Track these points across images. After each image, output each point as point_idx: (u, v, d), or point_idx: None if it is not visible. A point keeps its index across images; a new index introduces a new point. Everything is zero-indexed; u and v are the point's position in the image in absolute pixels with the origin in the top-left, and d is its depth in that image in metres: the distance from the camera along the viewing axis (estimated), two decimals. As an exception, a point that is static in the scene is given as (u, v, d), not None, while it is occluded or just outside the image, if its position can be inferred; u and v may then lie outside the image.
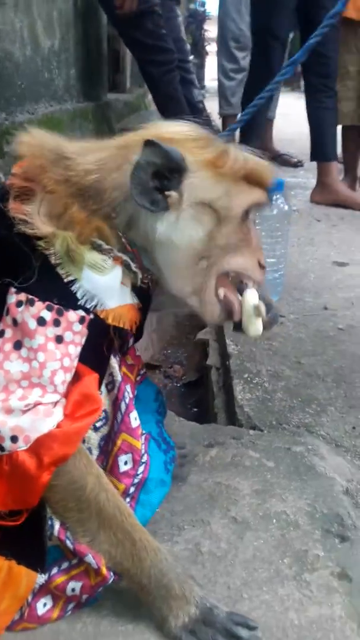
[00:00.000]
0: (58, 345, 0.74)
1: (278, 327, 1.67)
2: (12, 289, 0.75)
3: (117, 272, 0.81)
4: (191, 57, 3.33)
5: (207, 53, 7.78)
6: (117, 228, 0.81)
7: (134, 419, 0.87)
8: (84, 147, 0.84)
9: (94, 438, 0.85)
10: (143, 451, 0.89)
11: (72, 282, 0.77)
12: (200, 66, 7.23)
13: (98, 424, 0.85)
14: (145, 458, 0.90)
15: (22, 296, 0.74)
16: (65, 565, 0.81)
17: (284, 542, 0.94)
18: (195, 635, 0.78)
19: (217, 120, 4.35)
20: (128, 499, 0.88)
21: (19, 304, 0.74)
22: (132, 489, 0.88)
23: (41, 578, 0.79)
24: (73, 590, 0.81)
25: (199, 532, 0.96)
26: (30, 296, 0.74)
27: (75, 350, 0.76)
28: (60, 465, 0.74)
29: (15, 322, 0.74)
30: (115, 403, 0.85)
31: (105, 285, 0.79)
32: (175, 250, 0.82)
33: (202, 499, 1.03)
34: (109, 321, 0.79)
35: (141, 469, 0.89)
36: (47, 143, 0.83)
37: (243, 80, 3.32)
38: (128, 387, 0.87)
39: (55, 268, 0.76)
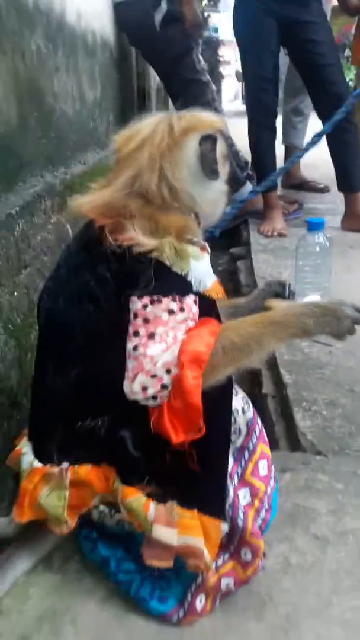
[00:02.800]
0: (182, 323, 0.94)
1: (328, 356, 1.83)
2: (134, 298, 0.93)
3: (206, 257, 1.03)
4: (214, 87, 3.54)
5: (222, 77, 8.03)
6: (192, 217, 1.03)
7: (265, 434, 1.09)
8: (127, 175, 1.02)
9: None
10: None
11: (187, 274, 0.97)
12: (218, 91, 7.47)
13: (232, 437, 1.03)
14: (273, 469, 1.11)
15: (147, 299, 0.93)
16: (213, 566, 0.97)
17: (362, 555, 1.10)
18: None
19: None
20: (265, 504, 1.07)
21: (145, 306, 0.93)
22: (269, 490, 1.07)
23: (225, 526, 0.97)
24: (227, 585, 1.00)
25: (286, 547, 1.12)
26: (154, 296, 0.93)
27: (192, 324, 0.96)
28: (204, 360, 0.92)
29: (146, 320, 0.93)
30: (253, 420, 1.06)
31: (203, 269, 1.00)
32: (216, 199, 1.10)
33: (284, 518, 1.19)
34: (213, 296, 1.01)
35: (272, 474, 1.09)
36: (103, 196, 1.01)
37: None
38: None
39: (170, 268, 0.96)
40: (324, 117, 2.76)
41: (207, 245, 1.06)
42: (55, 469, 1.01)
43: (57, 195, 2.03)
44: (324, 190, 3.71)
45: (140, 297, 0.93)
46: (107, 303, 0.96)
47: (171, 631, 0.99)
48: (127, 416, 0.95)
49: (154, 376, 0.91)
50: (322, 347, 1.88)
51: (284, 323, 1.01)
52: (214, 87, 3.39)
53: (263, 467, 1.07)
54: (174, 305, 0.94)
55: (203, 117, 1.07)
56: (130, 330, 0.94)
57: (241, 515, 0.99)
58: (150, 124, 1.03)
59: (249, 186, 3.15)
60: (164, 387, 0.91)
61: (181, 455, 0.93)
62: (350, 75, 4.78)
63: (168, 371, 0.91)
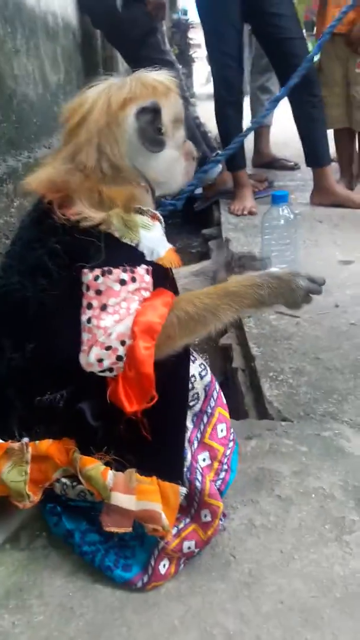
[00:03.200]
0: (136, 294, 0.96)
1: (295, 327, 1.85)
2: (85, 270, 0.94)
3: (158, 225, 1.03)
4: (180, 67, 3.50)
5: (194, 60, 7.95)
6: (143, 186, 1.02)
7: (223, 397, 1.10)
8: (58, 159, 1.02)
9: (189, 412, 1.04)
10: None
11: (137, 244, 0.97)
12: (189, 75, 7.39)
13: (191, 403, 1.04)
14: (232, 431, 1.11)
15: (98, 271, 0.94)
16: (174, 530, 0.99)
17: (324, 512, 1.12)
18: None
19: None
20: (225, 465, 1.08)
21: (96, 277, 0.94)
22: (227, 452, 1.08)
23: (183, 490, 0.98)
24: (189, 548, 1.01)
25: (250, 510, 1.14)
26: (105, 268, 0.94)
27: (147, 294, 0.97)
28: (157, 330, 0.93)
29: (98, 292, 0.94)
30: (211, 385, 1.06)
31: (155, 238, 1.00)
32: (170, 167, 1.08)
33: (249, 482, 1.20)
34: (166, 265, 1.01)
35: (232, 436, 1.10)
36: (47, 171, 1.01)
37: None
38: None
39: (119, 240, 0.96)
40: (290, 92, 2.75)
41: (158, 214, 1.05)
42: (15, 445, 1.01)
43: (20, 179, 2.01)
44: (294, 167, 3.71)
45: (91, 269, 0.94)
46: (60, 277, 0.96)
47: (137, 597, 1.00)
48: (85, 388, 0.96)
49: (108, 348, 0.92)
50: (289, 319, 1.90)
51: (239, 294, 1.02)
52: (180, 66, 3.36)
53: (222, 430, 1.08)
54: (125, 276, 0.94)
55: (147, 82, 1.04)
56: (84, 302, 0.94)
57: (199, 477, 1.00)
58: (92, 96, 1.02)
59: (218, 167, 3.14)
60: (119, 358, 0.92)
61: (138, 424, 0.94)
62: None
63: (122, 342, 0.92)
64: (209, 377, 1.07)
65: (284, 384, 1.57)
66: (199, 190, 3.21)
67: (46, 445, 1.00)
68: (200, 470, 1.02)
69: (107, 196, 0.97)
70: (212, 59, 3.03)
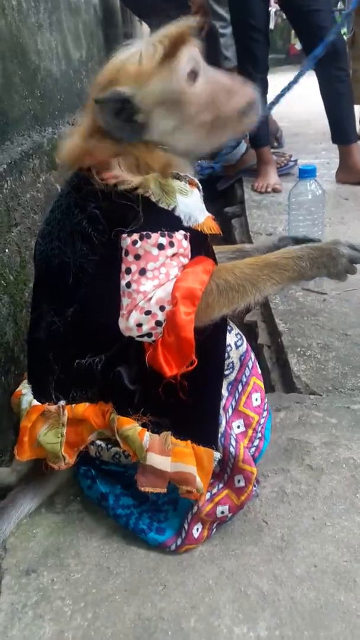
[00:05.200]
0: (175, 259, 0.96)
1: (322, 303, 1.84)
2: (124, 235, 0.94)
3: (196, 191, 1.01)
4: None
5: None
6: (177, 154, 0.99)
7: (258, 367, 1.10)
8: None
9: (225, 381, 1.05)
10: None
11: (174, 209, 0.96)
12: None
13: (227, 372, 1.04)
14: (266, 401, 1.12)
15: (136, 236, 0.94)
16: (207, 495, 1.01)
17: (355, 481, 1.13)
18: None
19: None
20: (259, 433, 1.09)
21: (134, 242, 0.94)
22: (262, 420, 1.09)
23: (217, 455, 0.99)
24: (222, 512, 1.02)
25: (281, 478, 1.15)
26: (143, 232, 0.93)
27: (186, 260, 0.98)
28: (198, 297, 0.93)
29: (137, 257, 0.94)
30: (246, 354, 1.07)
31: (193, 204, 0.99)
32: (178, 138, 0.99)
33: (279, 451, 1.22)
34: (206, 231, 1.00)
35: (265, 406, 1.11)
36: (81, 141, 0.98)
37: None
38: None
39: (157, 204, 0.95)
40: (316, 65, 2.70)
41: (196, 180, 1.04)
42: (52, 407, 1.03)
43: (46, 155, 2.02)
44: (289, 162, 3.51)
45: (129, 234, 0.94)
46: (99, 242, 0.96)
47: (171, 559, 1.03)
48: (122, 353, 0.97)
49: (147, 312, 0.93)
50: (316, 296, 1.89)
51: (280, 265, 1.01)
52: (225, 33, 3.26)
53: (256, 399, 1.09)
54: (164, 240, 0.95)
55: (118, 63, 0.95)
56: (123, 267, 0.95)
57: (234, 443, 1.02)
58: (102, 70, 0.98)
59: (243, 146, 3.11)
60: (158, 323, 0.93)
61: (175, 388, 0.95)
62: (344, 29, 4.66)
63: (162, 308, 0.93)
64: (244, 346, 1.08)
65: (312, 359, 1.57)
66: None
67: (82, 408, 1.02)
68: (235, 437, 1.03)
69: (144, 161, 0.96)
70: (237, 32, 2.97)
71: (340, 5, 5.39)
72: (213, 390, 1.01)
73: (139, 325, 0.93)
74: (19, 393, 1.11)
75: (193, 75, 0.96)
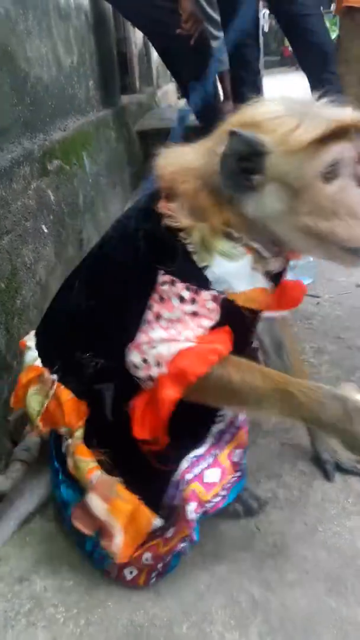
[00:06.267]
0: (193, 319, 0.90)
1: (316, 307, 1.85)
2: (161, 272, 0.91)
3: (247, 259, 0.92)
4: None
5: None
6: (245, 216, 0.91)
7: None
8: (196, 150, 0.97)
9: (213, 429, 1.00)
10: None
11: (205, 268, 0.91)
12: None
13: (217, 419, 1.00)
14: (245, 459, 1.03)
15: (167, 278, 0.91)
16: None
17: (347, 486, 1.13)
18: None
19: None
20: (224, 491, 0.98)
21: (163, 284, 0.91)
22: (233, 480, 0.99)
23: (158, 521, 0.95)
24: (147, 560, 0.96)
25: (274, 484, 1.16)
26: (173, 278, 0.90)
27: (208, 324, 0.91)
28: (191, 382, 0.86)
29: (161, 299, 0.91)
30: None
31: (235, 271, 0.91)
32: (274, 224, 0.91)
33: (272, 457, 1.22)
34: (239, 303, 0.92)
35: (244, 465, 1.02)
36: (182, 158, 0.96)
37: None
38: None
39: (191, 256, 0.91)
40: (307, 69, 2.71)
41: (261, 249, 0.93)
42: (48, 376, 1.03)
43: (37, 162, 2.02)
44: None
45: (164, 272, 0.91)
46: (145, 260, 0.94)
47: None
48: (115, 372, 0.95)
49: (145, 361, 0.90)
50: (310, 299, 1.90)
51: (297, 401, 0.89)
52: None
53: (238, 455, 1.01)
54: (186, 294, 0.90)
55: (277, 121, 0.87)
56: (150, 299, 0.92)
57: (191, 507, 0.92)
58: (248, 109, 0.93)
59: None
60: (149, 377, 0.90)
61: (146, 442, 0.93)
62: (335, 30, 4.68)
63: (158, 364, 0.89)
64: None
65: (305, 363, 1.57)
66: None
67: (67, 396, 1.00)
68: (196, 493, 0.93)
69: (203, 207, 0.91)
70: (229, 37, 2.99)
71: (332, 7, 5.40)
72: (178, 460, 0.96)
73: (135, 367, 0.91)
74: (24, 344, 1.12)
75: (332, 176, 0.87)
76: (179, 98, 5.77)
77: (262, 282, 0.95)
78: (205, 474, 0.96)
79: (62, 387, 1.01)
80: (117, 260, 0.98)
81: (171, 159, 0.97)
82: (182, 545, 0.95)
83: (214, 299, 0.91)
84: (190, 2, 2.88)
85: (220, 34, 3.17)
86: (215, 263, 0.91)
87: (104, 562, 1.01)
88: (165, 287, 0.90)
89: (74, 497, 1.04)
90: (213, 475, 0.97)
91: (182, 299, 0.90)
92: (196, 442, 0.98)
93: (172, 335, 0.89)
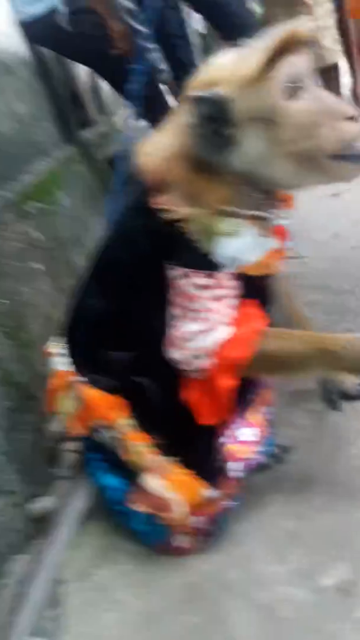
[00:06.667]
0: (219, 302, 0.92)
1: (303, 266, 1.91)
2: (170, 266, 0.92)
3: (251, 231, 0.92)
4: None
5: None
6: (237, 183, 0.90)
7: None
8: (168, 134, 0.95)
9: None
10: None
11: (212, 253, 0.91)
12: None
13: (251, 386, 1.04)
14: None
15: (179, 271, 0.92)
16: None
17: (357, 412, 1.19)
18: None
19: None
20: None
21: (178, 277, 0.92)
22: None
23: (208, 491, 0.99)
24: (197, 523, 1.01)
25: (291, 429, 1.21)
26: (185, 270, 0.91)
27: (234, 301, 0.93)
28: (242, 367, 0.90)
29: (181, 294, 0.93)
30: None
31: (243, 245, 0.91)
32: (264, 167, 0.89)
33: (284, 401, 1.27)
34: (256, 273, 0.94)
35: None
36: (154, 150, 0.95)
37: None
38: None
39: (194, 244, 0.90)
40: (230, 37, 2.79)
41: (259, 214, 0.94)
42: (76, 379, 1.07)
43: (14, 206, 2.14)
44: None
45: (173, 267, 0.92)
46: (151, 258, 0.95)
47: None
48: (154, 364, 0.97)
49: (185, 354, 0.93)
50: (294, 261, 1.96)
51: (339, 358, 0.92)
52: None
53: (267, 412, 1.10)
54: (203, 282, 0.91)
55: (226, 68, 0.87)
56: (169, 297, 0.94)
57: (232, 466, 1.00)
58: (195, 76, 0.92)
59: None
60: (194, 369, 0.93)
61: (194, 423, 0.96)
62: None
63: (201, 356, 0.91)
64: None
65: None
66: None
67: (95, 394, 1.03)
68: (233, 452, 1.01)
69: (197, 191, 0.90)
70: (161, 44, 3.10)
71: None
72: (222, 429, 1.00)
73: (176, 360, 0.93)
74: (48, 352, 1.17)
75: (294, 90, 0.85)
76: (136, 119, 5.89)
77: (270, 243, 0.95)
78: (239, 433, 1.03)
79: (91, 386, 1.04)
80: (125, 262, 0.99)
81: (149, 151, 0.95)
82: (228, 503, 1.02)
83: (231, 277, 0.92)
84: (117, 22, 3.00)
85: (154, 46, 3.27)
86: (222, 245, 0.91)
87: (153, 537, 1.07)
88: (181, 281, 0.91)
89: (110, 481, 1.09)
90: (247, 433, 1.04)
91: (200, 288, 0.91)
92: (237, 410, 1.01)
93: (206, 326, 0.91)
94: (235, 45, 0.92)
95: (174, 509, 0.99)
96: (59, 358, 1.14)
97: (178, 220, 0.90)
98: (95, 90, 5.23)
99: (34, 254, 2.09)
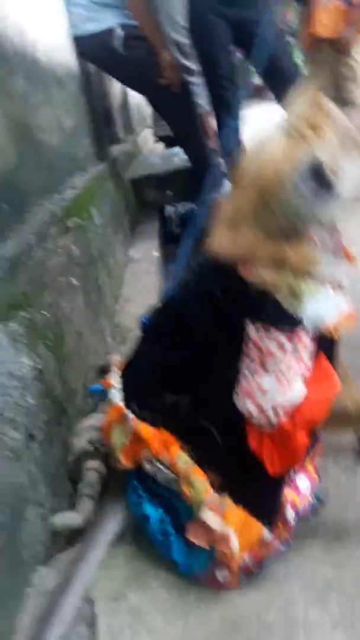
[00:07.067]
0: (296, 358, 1.01)
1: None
2: (249, 321, 1.00)
3: (329, 292, 1.03)
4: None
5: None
6: (316, 241, 1.01)
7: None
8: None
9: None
10: None
11: (299, 313, 1.01)
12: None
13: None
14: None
15: (259, 325, 1.00)
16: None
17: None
18: None
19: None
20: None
21: (257, 331, 1.00)
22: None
23: (267, 533, 1.05)
24: (243, 562, 1.07)
25: (324, 479, 1.30)
26: (267, 325, 1.00)
27: (309, 357, 1.02)
28: (318, 425, 1.00)
29: (259, 348, 1.00)
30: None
31: (324, 306, 1.02)
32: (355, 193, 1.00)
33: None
34: (334, 334, 1.04)
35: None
36: (230, 235, 1.05)
37: None
38: None
39: (282, 305, 1.00)
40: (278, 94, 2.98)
41: (333, 277, 1.04)
42: (129, 414, 1.14)
43: (60, 221, 2.21)
44: None
45: (253, 322, 1.01)
46: (227, 315, 1.04)
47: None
48: (218, 408, 1.04)
49: (260, 407, 1.00)
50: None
51: None
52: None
53: (318, 463, 1.19)
54: (284, 339, 0.99)
55: (297, 131, 0.99)
56: (244, 350, 1.01)
57: (290, 512, 1.08)
58: (254, 156, 1.05)
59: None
60: (269, 423, 1.01)
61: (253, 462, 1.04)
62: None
63: (276, 411, 1.00)
64: None
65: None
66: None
67: (144, 429, 1.10)
68: (292, 499, 1.08)
69: (281, 257, 1.00)
70: (209, 82, 3.25)
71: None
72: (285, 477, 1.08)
73: (250, 414, 1.01)
74: (108, 383, 1.25)
75: None
76: (155, 142, 6.06)
77: (344, 303, 1.05)
78: (299, 482, 1.11)
79: (142, 422, 1.12)
80: (196, 316, 1.06)
81: (225, 238, 1.05)
82: (279, 547, 1.09)
83: (309, 334, 1.01)
84: (168, 54, 3.14)
85: (197, 80, 3.42)
86: (307, 306, 1.00)
87: (194, 569, 1.12)
88: (261, 336, 0.99)
89: (155, 512, 1.15)
90: (303, 483, 1.13)
91: (281, 345, 0.99)
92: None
93: (283, 383, 0.99)
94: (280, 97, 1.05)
95: (232, 544, 1.05)
96: (116, 391, 1.21)
97: (266, 286, 1.00)
98: (125, 109, 5.38)
99: (73, 269, 2.16)
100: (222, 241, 1.07)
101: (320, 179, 0.97)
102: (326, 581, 1.08)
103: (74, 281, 2.12)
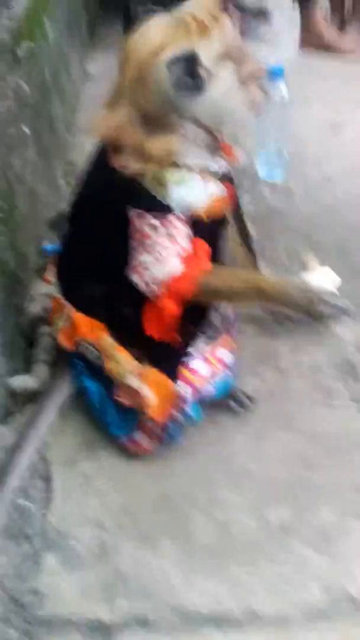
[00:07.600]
0: (171, 240, 1.16)
1: (289, 202, 1.99)
2: (130, 209, 1.14)
3: (195, 179, 1.16)
4: None
5: None
6: (184, 135, 1.13)
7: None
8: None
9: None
10: None
11: (166, 199, 1.14)
12: None
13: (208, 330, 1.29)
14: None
15: (134, 212, 1.14)
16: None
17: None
18: None
19: None
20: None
21: (135, 218, 1.14)
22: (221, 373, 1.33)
23: (174, 386, 1.23)
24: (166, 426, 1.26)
25: (256, 381, 1.46)
26: (141, 211, 1.14)
27: (185, 241, 1.18)
28: (186, 298, 1.17)
29: (138, 232, 1.15)
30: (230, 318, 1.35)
31: (190, 191, 1.15)
32: (229, 100, 1.13)
33: (253, 357, 1.49)
34: (204, 216, 1.18)
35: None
36: (107, 118, 1.14)
37: None
38: None
39: (150, 192, 1.13)
40: None
41: (208, 164, 1.18)
42: (64, 303, 1.33)
43: (10, 51, 1.89)
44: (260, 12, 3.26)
45: (131, 209, 1.15)
46: (115, 205, 1.17)
47: (178, 447, 1.34)
48: (124, 290, 1.21)
49: (143, 280, 1.18)
50: (282, 195, 2.03)
51: (268, 295, 1.28)
52: None
53: (223, 354, 1.32)
54: (156, 222, 1.14)
55: (181, 22, 1.07)
56: (130, 233, 1.17)
57: (182, 387, 1.25)
58: (132, 41, 1.10)
59: None
60: (151, 292, 1.18)
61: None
62: None
63: (155, 283, 1.17)
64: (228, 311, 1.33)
65: (279, 266, 1.74)
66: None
67: (76, 316, 1.28)
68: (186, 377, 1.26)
69: (146, 150, 1.10)
70: None
71: None
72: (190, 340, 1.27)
73: (137, 285, 1.18)
74: (47, 279, 1.48)
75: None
76: None
77: (215, 190, 1.19)
78: (193, 364, 1.28)
79: (75, 309, 1.29)
80: (95, 212, 1.20)
81: (103, 122, 1.15)
82: (176, 414, 1.26)
83: (180, 220, 1.15)
84: None
85: None
86: (173, 192, 1.13)
87: (121, 429, 1.31)
88: (138, 222, 1.14)
89: (91, 384, 1.32)
90: (200, 366, 1.29)
91: (154, 227, 1.14)
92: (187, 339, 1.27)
93: (159, 258, 1.15)
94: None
95: (151, 404, 1.22)
96: (54, 285, 1.40)
97: (134, 175, 1.11)
98: None
99: (24, 113, 1.92)
100: (99, 122, 1.16)
101: (189, 70, 1.03)
102: (245, 472, 1.28)
103: (25, 129, 1.91)
